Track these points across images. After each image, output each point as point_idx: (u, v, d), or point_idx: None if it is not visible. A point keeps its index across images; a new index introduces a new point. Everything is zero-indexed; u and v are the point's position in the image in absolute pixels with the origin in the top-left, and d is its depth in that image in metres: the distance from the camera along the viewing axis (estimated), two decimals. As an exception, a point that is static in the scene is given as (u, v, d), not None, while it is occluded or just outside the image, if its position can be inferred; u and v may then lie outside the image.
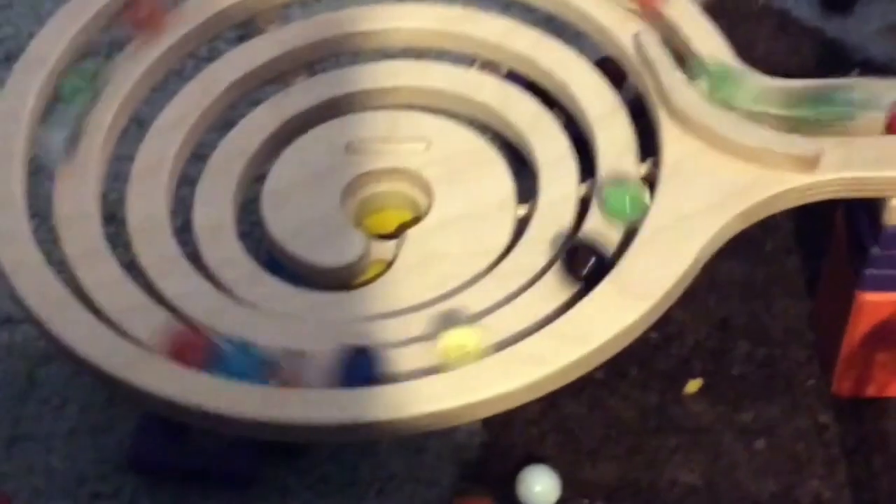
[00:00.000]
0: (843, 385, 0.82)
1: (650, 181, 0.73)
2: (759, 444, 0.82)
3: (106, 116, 0.79)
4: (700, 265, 0.70)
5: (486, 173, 0.78)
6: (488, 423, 0.82)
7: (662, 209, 0.71)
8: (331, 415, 0.66)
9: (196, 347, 0.68)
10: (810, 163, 0.71)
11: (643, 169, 0.75)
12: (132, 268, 0.74)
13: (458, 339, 0.67)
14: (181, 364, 0.68)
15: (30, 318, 0.71)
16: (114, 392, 0.78)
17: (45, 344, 0.85)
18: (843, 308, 0.79)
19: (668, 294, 0.68)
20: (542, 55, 0.81)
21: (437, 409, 0.65)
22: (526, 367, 0.66)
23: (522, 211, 0.76)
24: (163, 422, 0.80)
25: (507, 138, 0.81)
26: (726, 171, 0.72)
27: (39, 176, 0.78)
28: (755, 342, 0.86)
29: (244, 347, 0.69)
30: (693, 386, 0.84)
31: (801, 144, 0.71)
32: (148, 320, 0.70)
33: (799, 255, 0.90)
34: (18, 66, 0.78)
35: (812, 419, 0.83)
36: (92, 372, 0.69)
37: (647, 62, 0.76)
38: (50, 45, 0.78)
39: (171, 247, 0.74)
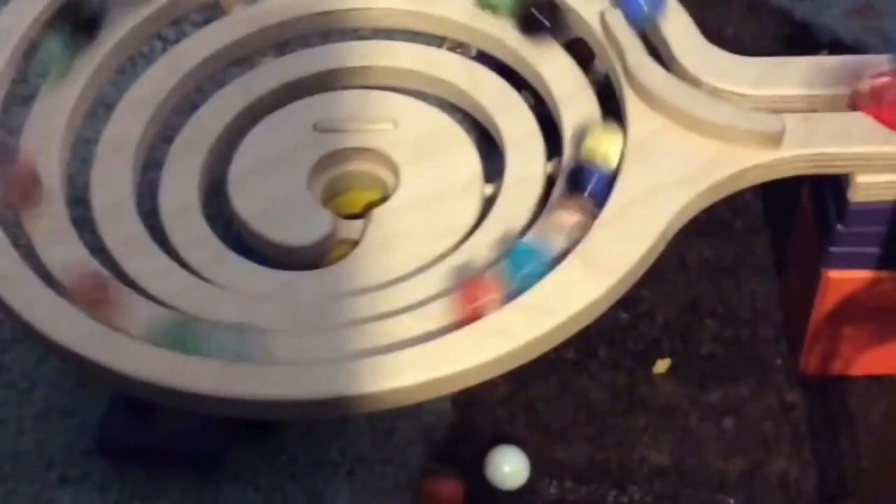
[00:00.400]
0: (809, 363, 0.83)
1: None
2: (727, 423, 0.82)
3: (70, 98, 0.78)
4: (666, 241, 0.70)
5: (453, 153, 0.78)
6: (457, 403, 0.82)
7: (628, 185, 0.71)
8: (295, 390, 0.66)
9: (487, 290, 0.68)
10: (774, 139, 0.71)
11: (610, 147, 0.75)
12: (100, 251, 0.73)
13: (601, 139, 0.70)
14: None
15: (-7, 300, 0.70)
16: (80, 372, 0.78)
17: (11, 327, 0.86)
18: (809, 286, 0.79)
19: (633, 269, 0.68)
20: (510, 35, 0.81)
21: (401, 384, 0.65)
22: (491, 342, 0.66)
23: (489, 190, 0.76)
24: (131, 406, 0.80)
25: (475, 118, 0.81)
26: (691, 147, 0.72)
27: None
28: (724, 322, 0.86)
29: (529, 250, 0.68)
30: (662, 366, 0.84)
31: (765, 120, 0.71)
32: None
33: (767, 234, 0.91)
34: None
35: (779, 398, 0.83)
36: (57, 351, 0.68)
37: (613, 41, 0.76)
38: (16, 19, 0.78)
39: (137, 227, 0.74)
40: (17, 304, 0.68)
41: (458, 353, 0.66)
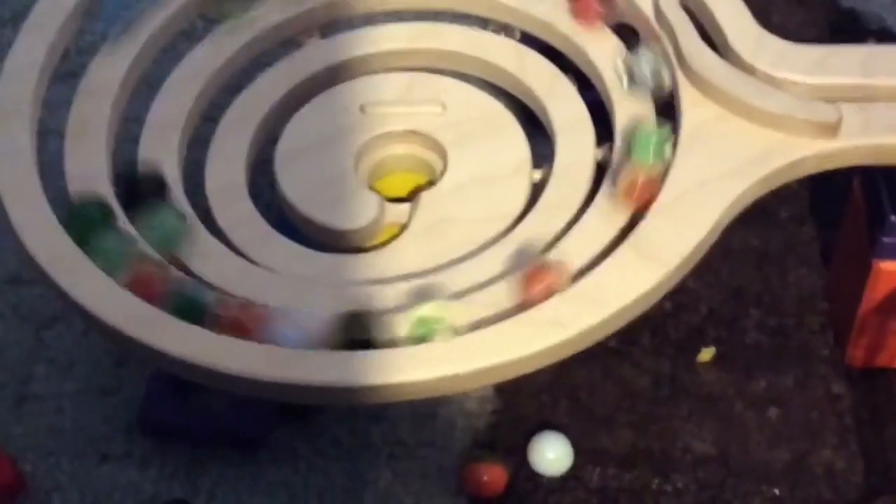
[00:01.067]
0: (856, 354, 0.82)
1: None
2: (772, 413, 0.81)
3: (116, 77, 0.78)
4: (719, 230, 0.70)
5: (501, 137, 0.77)
6: (500, 390, 0.82)
7: (682, 174, 0.70)
8: (342, 377, 0.66)
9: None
10: (831, 129, 0.70)
11: (662, 134, 0.74)
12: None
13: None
14: None
15: (40, 277, 0.70)
16: (124, 351, 0.78)
17: (54, 304, 0.86)
18: (858, 277, 0.79)
19: (687, 259, 0.68)
20: (560, 19, 0.80)
21: (454, 372, 0.65)
22: (543, 332, 0.65)
23: (538, 175, 0.76)
24: (172, 384, 0.79)
25: (521, 101, 0.81)
26: (746, 136, 0.71)
27: (47, 137, 0.77)
28: (768, 311, 0.86)
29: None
30: (706, 354, 0.84)
31: (822, 110, 0.70)
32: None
33: (813, 224, 0.90)
34: (27, 24, 0.77)
35: (825, 389, 0.82)
36: (104, 331, 0.68)
37: (666, 26, 0.75)
38: (58, 3, 0.77)
39: (184, 207, 0.74)
40: (67, 284, 0.68)
41: (512, 341, 0.65)
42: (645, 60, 0.74)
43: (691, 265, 0.69)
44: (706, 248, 0.69)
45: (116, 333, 0.68)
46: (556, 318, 0.66)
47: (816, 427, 0.81)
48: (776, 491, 0.78)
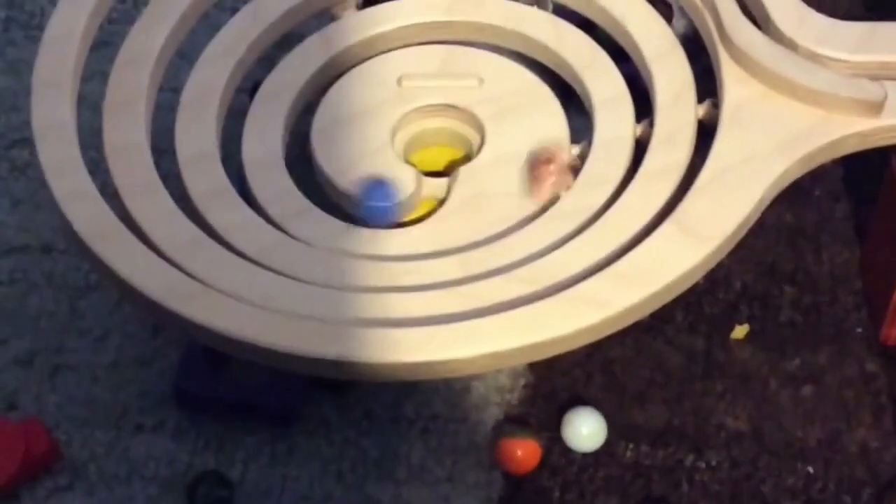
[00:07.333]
0: (891, 333, 0.82)
1: (709, 123, 0.72)
2: (806, 390, 0.81)
3: (154, 46, 0.77)
4: (762, 208, 0.69)
5: (539, 112, 0.77)
6: (533, 365, 0.82)
7: (724, 151, 0.70)
8: (381, 354, 0.66)
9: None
10: (875, 107, 0.70)
11: (701, 110, 0.74)
12: (181, 200, 0.73)
13: None
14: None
15: (80, 249, 0.70)
16: (164, 325, 0.78)
17: (87, 274, 0.86)
18: (895, 255, 0.78)
19: (730, 236, 0.68)
20: (599, -9, 0.79)
21: (497, 349, 0.65)
22: (586, 310, 0.65)
23: (576, 151, 0.75)
24: (207, 355, 0.79)
25: (557, 76, 0.80)
26: (789, 114, 0.71)
27: (82, 105, 0.77)
28: (802, 288, 0.85)
29: None
30: (740, 331, 0.83)
31: (866, 88, 0.70)
32: (200, 253, 0.69)
33: (848, 201, 0.89)
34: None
35: (860, 367, 0.82)
36: (145, 305, 0.68)
37: (708, 1, 0.75)
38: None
39: (221, 179, 0.73)
40: (107, 255, 0.68)
41: (554, 319, 0.65)
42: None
43: (734, 243, 0.68)
44: (749, 225, 0.69)
45: (154, 306, 0.68)
46: (597, 296, 0.65)
47: (851, 405, 0.80)
48: (810, 469, 0.78)
